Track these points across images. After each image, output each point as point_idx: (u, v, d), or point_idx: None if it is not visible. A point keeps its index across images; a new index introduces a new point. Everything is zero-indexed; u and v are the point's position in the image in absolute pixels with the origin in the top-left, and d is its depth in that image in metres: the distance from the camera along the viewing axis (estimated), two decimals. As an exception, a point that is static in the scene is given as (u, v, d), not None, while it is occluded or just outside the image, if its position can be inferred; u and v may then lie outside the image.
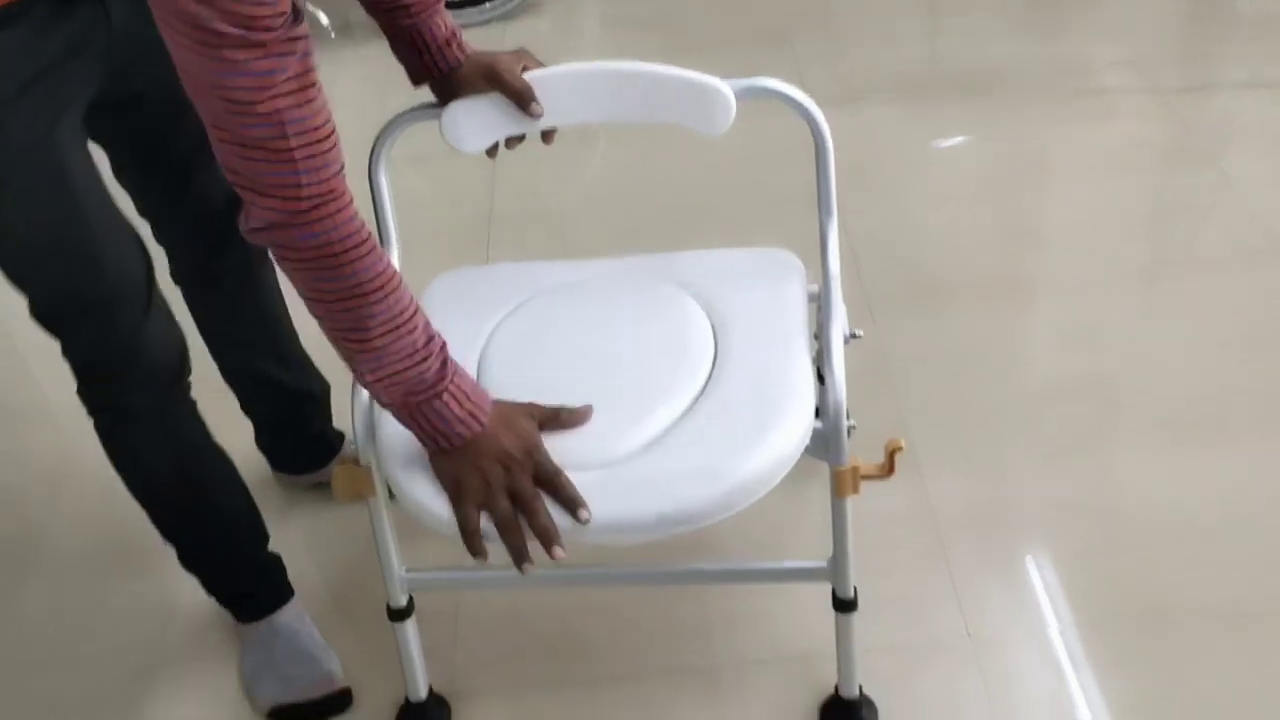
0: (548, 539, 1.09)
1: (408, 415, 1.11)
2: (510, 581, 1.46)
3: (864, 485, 1.23)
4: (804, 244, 1.38)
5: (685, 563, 1.47)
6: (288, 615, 1.52)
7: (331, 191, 0.98)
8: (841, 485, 1.23)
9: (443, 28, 1.26)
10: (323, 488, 1.73)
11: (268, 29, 0.91)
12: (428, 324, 1.09)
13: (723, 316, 1.29)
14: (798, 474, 1.20)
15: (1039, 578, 1.55)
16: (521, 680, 1.50)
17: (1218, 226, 2.14)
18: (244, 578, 1.52)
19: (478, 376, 1.25)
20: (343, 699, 1.47)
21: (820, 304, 1.30)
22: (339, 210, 0.99)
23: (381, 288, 1.03)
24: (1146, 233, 2.17)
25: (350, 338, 1.05)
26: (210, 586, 1.52)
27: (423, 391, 1.08)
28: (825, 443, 1.22)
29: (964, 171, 2.35)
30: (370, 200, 1.31)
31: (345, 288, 1.02)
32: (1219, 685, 1.40)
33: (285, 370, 1.63)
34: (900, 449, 1.21)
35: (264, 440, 1.74)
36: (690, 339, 1.27)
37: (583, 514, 1.09)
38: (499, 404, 1.14)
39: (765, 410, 1.19)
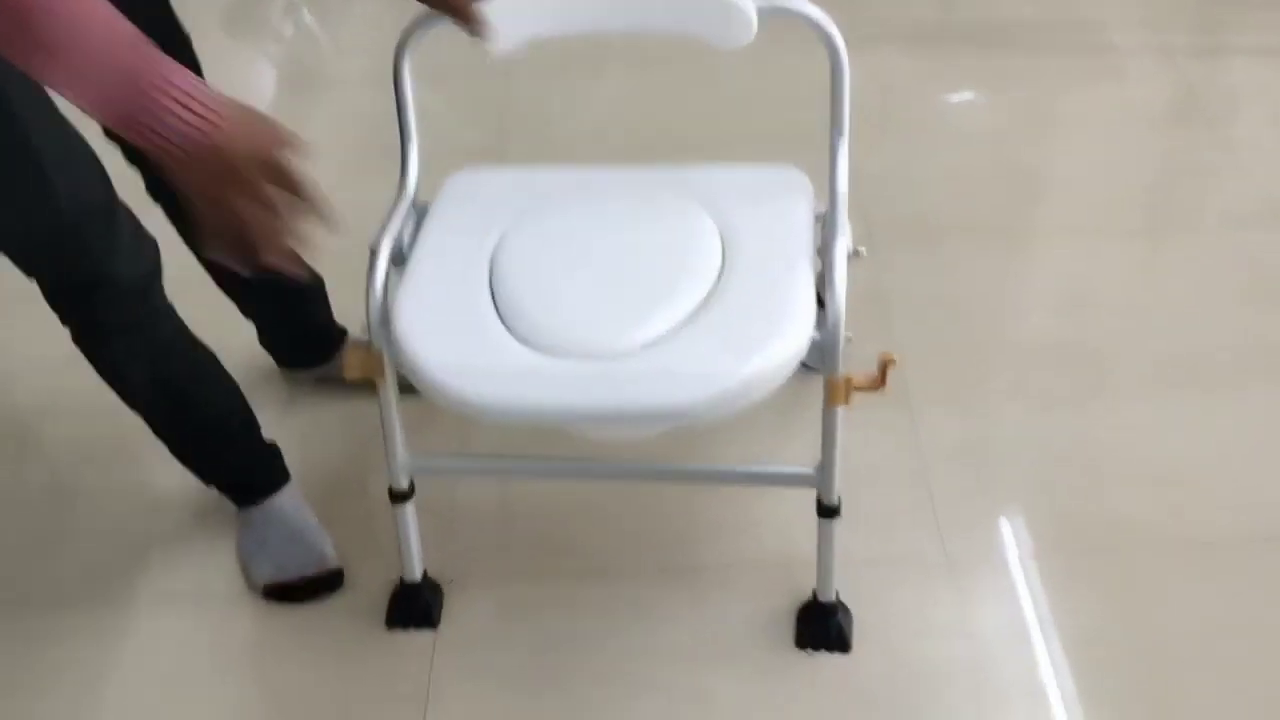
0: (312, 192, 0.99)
1: (128, 128, 0.92)
2: (506, 470, 1.53)
3: (856, 406, 1.27)
4: (811, 171, 1.42)
5: (678, 462, 1.52)
6: (283, 499, 1.57)
7: None
8: (834, 394, 1.28)
9: None
10: (327, 382, 1.77)
11: None
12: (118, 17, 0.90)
13: (730, 227, 1.33)
14: (788, 396, 1.25)
15: (1013, 508, 1.61)
16: (510, 571, 1.55)
17: (1218, 189, 2.18)
18: (236, 468, 1.57)
19: (489, 269, 1.29)
20: (335, 579, 1.53)
21: (826, 221, 1.34)
22: None
23: None
24: (1147, 191, 2.21)
25: (18, 41, 0.88)
26: (204, 478, 1.57)
27: (130, 95, 0.90)
28: (822, 353, 1.26)
29: (970, 121, 2.39)
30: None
31: None
32: (1173, 614, 1.47)
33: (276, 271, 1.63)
34: (892, 362, 1.26)
35: (265, 339, 1.77)
36: (698, 245, 1.31)
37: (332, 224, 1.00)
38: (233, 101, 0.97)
39: (767, 317, 1.23)
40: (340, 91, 2.57)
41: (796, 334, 1.22)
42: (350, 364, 1.31)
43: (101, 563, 1.59)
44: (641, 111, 2.41)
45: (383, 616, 1.49)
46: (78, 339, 1.36)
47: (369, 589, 1.52)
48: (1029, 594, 1.50)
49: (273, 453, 1.59)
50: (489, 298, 1.26)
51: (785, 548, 1.53)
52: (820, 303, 1.27)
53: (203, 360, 1.45)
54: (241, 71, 2.69)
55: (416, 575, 1.49)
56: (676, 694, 1.41)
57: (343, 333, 1.78)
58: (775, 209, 1.36)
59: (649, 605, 1.50)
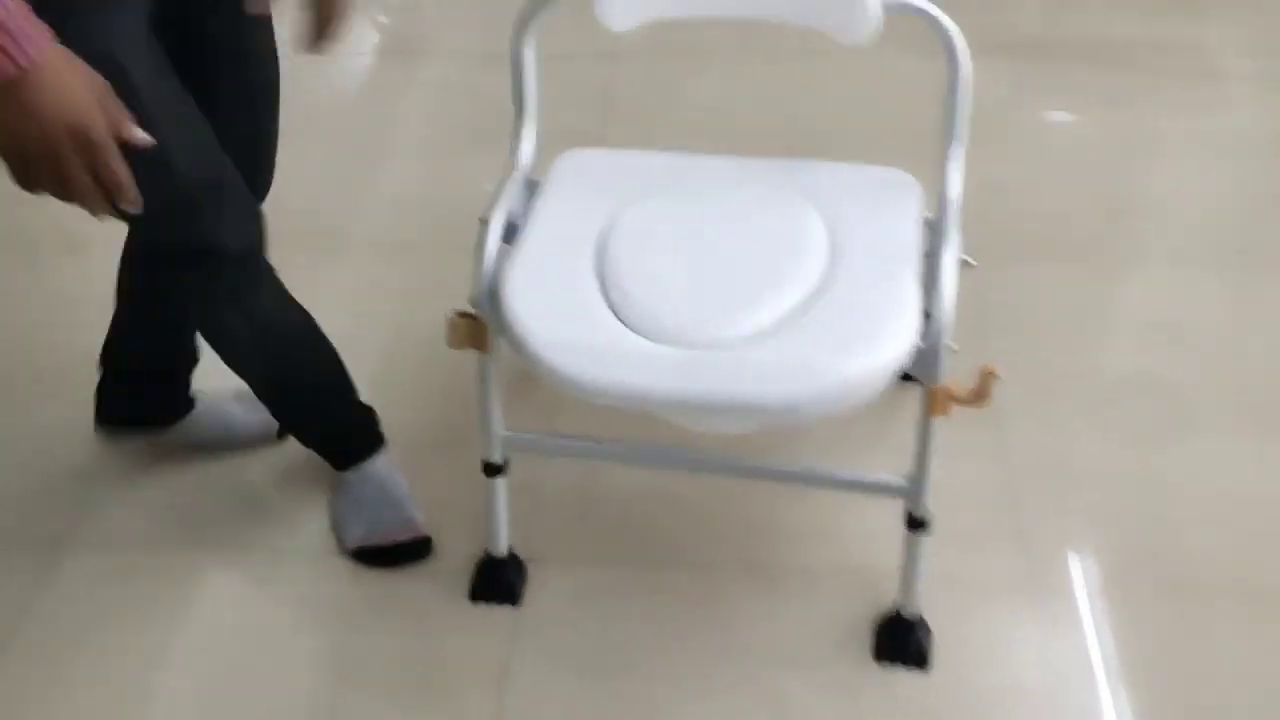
0: (120, 188, 0.98)
1: None
2: (598, 453, 1.53)
3: (949, 419, 1.26)
4: (921, 177, 1.41)
5: (771, 461, 1.51)
6: (378, 465, 1.59)
7: None
8: (934, 404, 1.27)
9: None
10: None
11: None
12: None
13: (839, 225, 1.32)
14: (880, 405, 1.24)
15: (1095, 537, 1.58)
16: (592, 554, 1.56)
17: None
18: (333, 433, 1.60)
19: (597, 250, 1.30)
20: (424, 545, 1.55)
21: (935, 227, 1.33)
22: None
23: None
24: (1247, 223, 2.14)
25: None
26: (304, 440, 1.61)
27: None
28: (925, 359, 1.25)
29: (1070, 140, 2.34)
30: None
31: None
32: (1244, 662, 1.42)
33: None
34: (995, 375, 1.24)
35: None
36: (806, 241, 1.30)
37: (129, 204, 0.99)
38: (68, 58, 0.93)
39: (872, 318, 1.22)
40: (441, 63, 2.61)
41: (901, 338, 1.21)
42: (455, 335, 1.32)
43: (194, 509, 1.63)
44: (742, 106, 2.40)
45: (466, 588, 1.51)
46: (185, 306, 1.41)
47: (455, 560, 1.54)
48: (1103, 628, 1.46)
49: (369, 417, 1.61)
50: (596, 278, 1.27)
51: (869, 557, 1.51)
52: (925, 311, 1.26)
53: (302, 325, 1.48)
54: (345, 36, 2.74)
55: (503, 550, 1.50)
56: (748, 694, 1.40)
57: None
58: (883, 210, 1.35)
59: (728, 602, 1.49)
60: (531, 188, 1.41)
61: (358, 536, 1.55)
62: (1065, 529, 1.58)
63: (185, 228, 1.26)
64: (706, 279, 1.26)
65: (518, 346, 1.23)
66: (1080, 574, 1.53)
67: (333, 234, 2.12)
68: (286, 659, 1.45)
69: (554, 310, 1.24)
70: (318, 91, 2.49)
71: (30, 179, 0.95)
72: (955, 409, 1.26)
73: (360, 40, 2.76)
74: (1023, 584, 1.51)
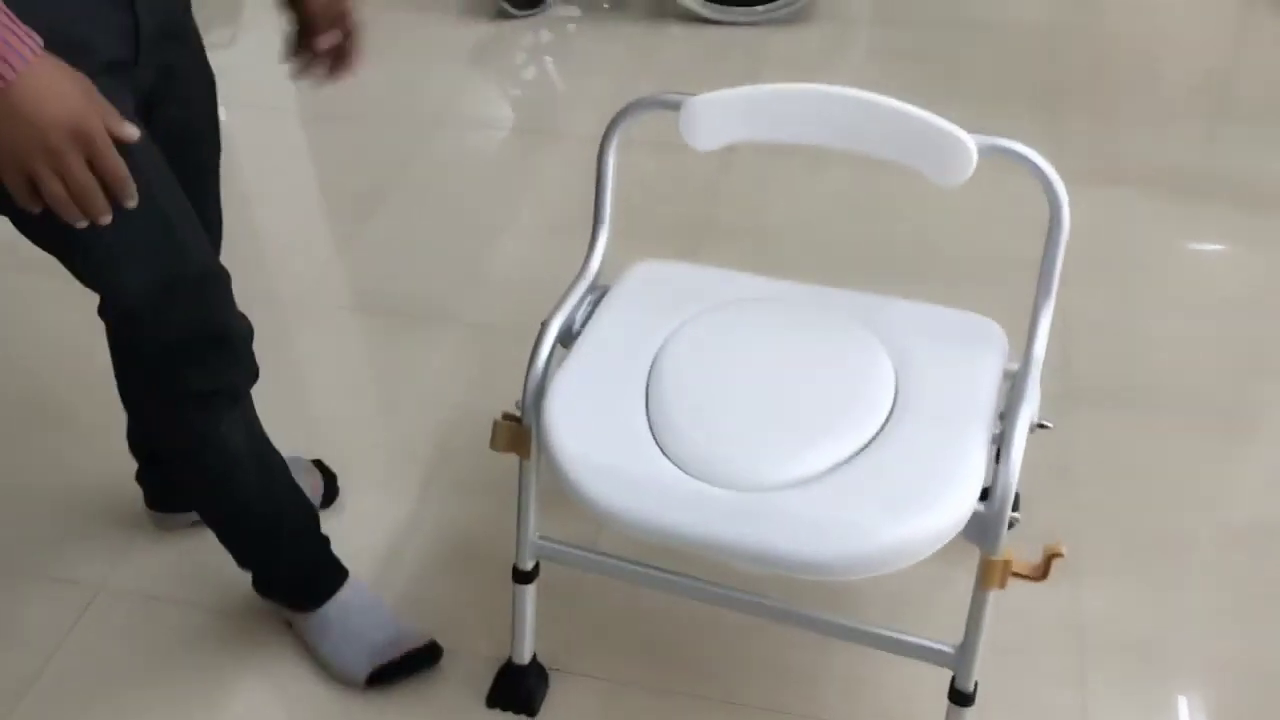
0: (121, 182, 0.96)
1: None
2: (635, 575, 1.47)
3: (1012, 583, 1.17)
4: (1013, 317, 1.32)
5: (810, 606, 1.43)
6: (355, 588, 1.50)
7: None
8: (989, 576, 1.18)
9: None
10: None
11: None
12: None
13: (909, 371, 1.25)
14: (950, 548, 1.15)
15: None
16: (623, 674, 1.50)
17: None
18: (311, 557, 1.49)
19: (649, 370, 1.25)
20: (434, 649, 1.49)
21: (1014, 383, 1.24)
22: None
23: None
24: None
25: None
26: (274, 580, 1.49)
27: None
28: (984, 528, 1.16)
29: (1213, 283, 2.20)
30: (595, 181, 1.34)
31: None
32: None
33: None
34: (1059, 555, 1.15)
35: (146, 474, 1.66)
36: (870, 385, 1.23)
37: (128, 200, 0.96)
38: (53, 60, 0.92)
39: (930, 480, 1.14)
40: (568, 143, 2.61)
41: (959, 503, 1.13)
42: (498, 438, 1.29)
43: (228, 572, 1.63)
44: (856, 216, 2.34)
45: (484, 693, 1.46)
46: (189, 416, 1.27)
47: (477, 662, 1.49)
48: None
49: (329, 547, 1.51)
50: (644, 400, 1.23)
51: (912, 717, 1.41)
52: (996, 460, 1.18)
53: (276, 455, 1.40)
54: (478, 106, 2.77)
55: (525, 658, 1.45)
56: None
57: None
58: (961, 360, 1.27)
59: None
60: (602, 293, 1.37)
61: (364, 665, 1.46)
62: (1143, 709, 1.45)
63: (199, 310, 1.20)
64: (758, 416, 1.20)
65: (551, 460, 1.19)
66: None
67: (428, 306, 2.12)
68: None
69: (594, 428, 1.20)
70: (444, 161, 2.52)
71: (29, 188, 0.94)
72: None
73: (492, 110, 2.79)
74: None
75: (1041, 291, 1.27)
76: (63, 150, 0.92)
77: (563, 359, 1.28)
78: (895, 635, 1.31)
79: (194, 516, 1.64)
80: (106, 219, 0.96)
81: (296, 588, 1.49)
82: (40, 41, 0.91)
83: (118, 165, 0.95)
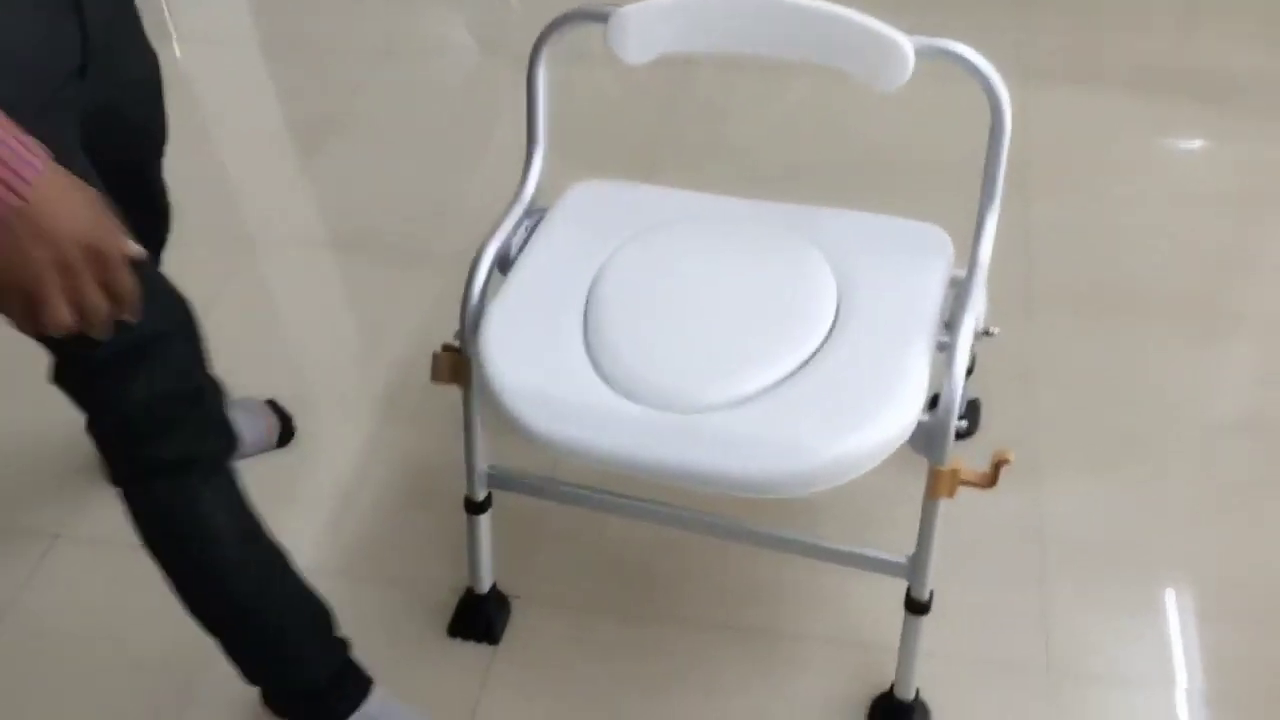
0: (130, 299, 0.88)
1: None
2: (588, 500, 1.47)
3: (967, 491, 1.16)
4: (969, 224, 1.29)
5: (766, 524, 1.42)
6: (378, 700, 1.32)
7: None
8: (937, 486, 1.17)
9: None
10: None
11: None
12: None
13: (852, 283, 1.22)
14: (912, 461, 1.15)
15: (1141, 626, 1.45)
16: (584, 599, 1.50)
17: None
18: (323, 665, 1.30)
19: (587, 294, 1.23)
20: None
21: (959, 290, 1.22)
22: None
23: None
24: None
25: None
26: (284, 686, 1.32)
27: None
28: (930, 438, 1.15)
29: (1184, 178, 2.16)
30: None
31: None
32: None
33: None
34: (1007, 461, 1.13)
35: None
36: (811, 300, 1.21)
37: (133, 319, 0.89)
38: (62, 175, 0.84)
39: (871, 393, 1.12)
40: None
41: (901, 415, 1.11)
42: (437, 369, 1.27)
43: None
44: (821, 123, 2.29)
45: (446, 623, 1.46)
46: (156, 497, 1.16)
47: (440, 593, 1.49)
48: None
49: (349, 651, 1.33)
50: (581, 325, 1.20)
51: (870, 630, 1.42)
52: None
53: (272, 537, 1.24)
54: (432, 29, 2.70)
55: (484, 587, 1.45)
56: (725, 765, 1.33)
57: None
58: (905, 269, 1.24)
59: (717, 664, 1.41)
60: (540, 217, 1.34)
61: None
62: (1104, 609, 1.46)
63: (169, 369, 1.09)
64: (696, 336, 1.17)
65: (487, 390, 1.17)
66: (1122, 662, 1.41)
67: (390, 238, 2.08)
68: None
69: (530, 355, 1.17)
70: (401, 87, 2.46)
71: (29, 310, 0.85)
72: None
73: (445, 35, 2.72)
74: (1044, 671, 1.39)
75: (986, 195, 1.23)
76: (78, 268, 0.84)
77: (500, 286, 1.26)
78: (850, 549, 1.30)
79: None
80: (105, 338, 0.89)
81: (312, 702, 1.30)
82: (48, 151, 0.83)
83: (131, 283, 0.87)
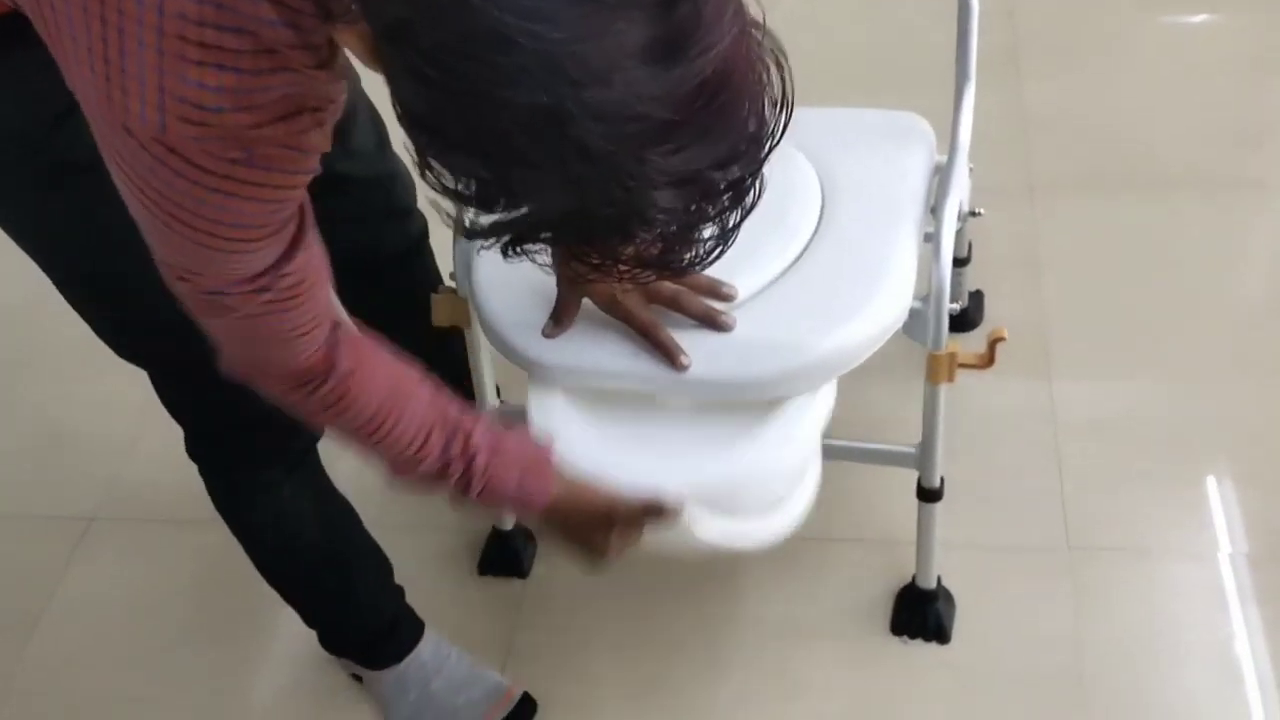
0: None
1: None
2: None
3: (986, 379, 1.17)
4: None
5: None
6: (430, 644, 1.36)
7: (303, 372, 0.89)
8: (936, 371, 1.17)
9: None
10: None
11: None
12: (446, 446, 0.95)
13: (834, 179, 1.22)
14: (918, 362, 1.16)
15: (1166, 497, 1.45)
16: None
17: None
18: (383, 614, 1.35)
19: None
20: (527, 704, 1.35)
21: (941, 175, 1.21)
22: (313, 391, 0.90)
23: (372, 434, 0.93)
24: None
25: (363, 455, 0.98)
26: (344, 635, 1.37)
27: (454, 495, 0.99)
28: (923, 324, 1.15)
29: (1185, 52, 2.09)
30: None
31: (335, 427, 0.96)
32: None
33: (448, 344, 1.37)
34: (1002, 339, 1.13)
35: None
36: (795, 200, 1.21)
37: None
38: (563, 501, 1.01)
39: (860, 284, 1.13)
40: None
41: (891, 304, 1.12)
42: (437, 313, 1.28)
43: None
44: (811, 31, 2.23)
45: (476, 562, 1.49)
46: (237, 486, 1.20)
47: (466, 536, 1.51)
48: (1161, 605, 1.35)
49: (403, 600, 1.37)
50: (570, 250, 1.21)
51: (891, 526, 1.42)
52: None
53: (348, 506, 1.29)
54: None
55: (508, 524, 1.47)
56: (759, 669, 1.35)
57: None
58: (886, 159, 1.24)
59: (740, 572, 1.43)
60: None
61: None
62: (1121, 491, 1.46)
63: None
64: (681, 246, 1.18)
65: (483, 325, 1.18)
66: (1142, 543, 1.41)
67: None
68: (296, 629, 1.45)
69: (523, 288, 1.18)
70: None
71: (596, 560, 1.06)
72: (1003, 356, 1.15)
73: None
74: (1065, 554, 1.40)
75: (960, 74, 1.23)
76: (594, 539, 1.04)
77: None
78: (859, 445, 1.31)
79: None
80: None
81: (369, 645, 1.36)
82: (553, 475, 1.01)
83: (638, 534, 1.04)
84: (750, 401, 1.11)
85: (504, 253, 0.69)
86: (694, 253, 0.69)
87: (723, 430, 1.10)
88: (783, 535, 1.14)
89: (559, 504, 1.01)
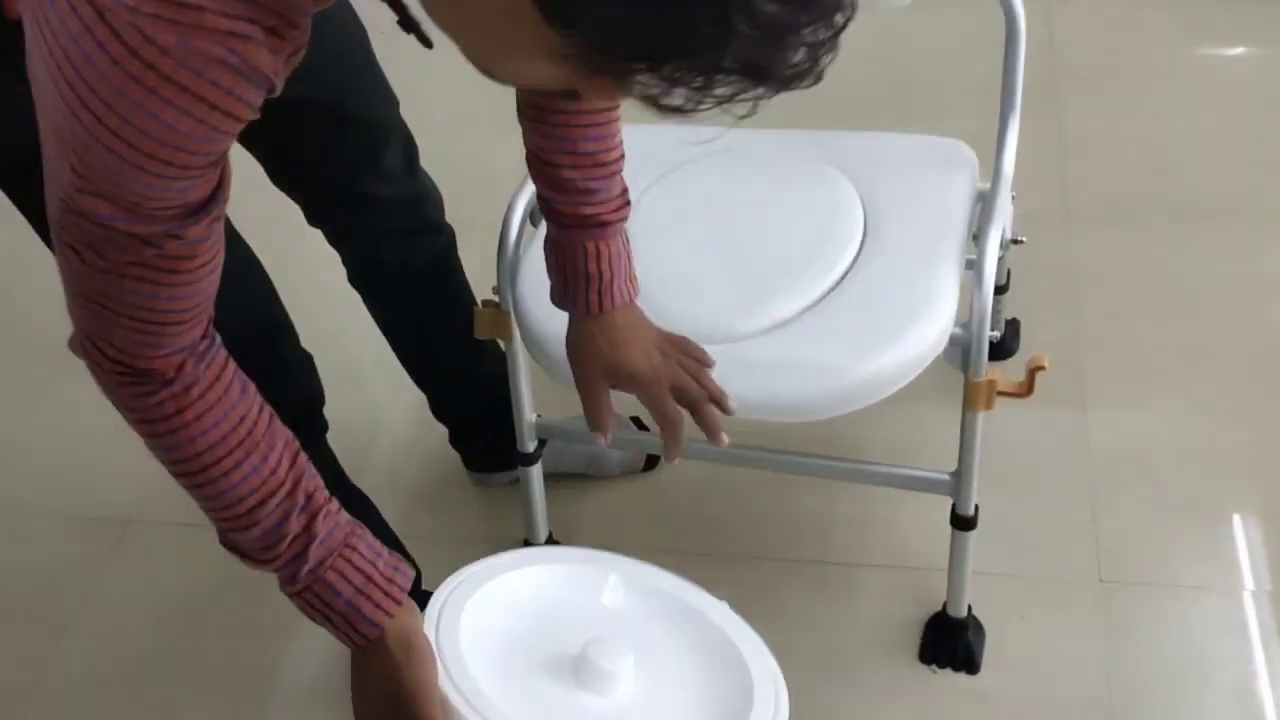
0: None
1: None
2: (636, 444, 1.48)
3: (1019, 408, 1.17)
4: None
5: (809, 454, 1.44)
6: None
7: (147, 371, 0.80)
8: (974, 398, 1.17)
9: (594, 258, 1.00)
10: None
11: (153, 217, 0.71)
12: (284, 517, 0.84)
13: (877, 202, 1.23)
14: (957, 388, 1.16)
15: (1198, 532, 1.44)
16: (637, 542, 1.51)
17: None
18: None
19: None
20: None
21: (984, 202, 1.22)
22: (148, 393, 0.81)
23: (195, 473, 0.83)
24: None
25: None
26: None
27: (281, 582, 0.88)
28: (964, 351, 1.15)
29: (1225, 85, 2.10)
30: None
31: (160, 457, 0.85)
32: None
33: (484, 359, 1.42)
34: (1042, 368, 1.13)
35: (461, 441, 1.59)
36: (838, 223, 1.22)
37: None
38: (397, 654, 0.85)
39: (902, 309, 1.13)
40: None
41: (931, 330, 1.12)
42: (479, 325, 1.29)
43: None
44: (846, 53, 2.24)
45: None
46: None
47: (498, 547, 1.51)
48: (1188, 640, 1.34)
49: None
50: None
51: (925, 553, 1.42)
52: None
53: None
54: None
55: (540, 538, 1.48)
56: (787, 692, 1.34)
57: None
58: (929, 185, 1.25)
59: (771, 596, 1.43)
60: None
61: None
62: (1155, 522, 1.45)
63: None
64: (725, 269, 1.19)
65: (525, 338, 1.19)
66: (1173, 574, 1.40)
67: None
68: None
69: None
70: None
71: None
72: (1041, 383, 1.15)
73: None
74: (1096, 585, 1.40)
75: (1006, 103, 1.24)
76: None
77: (534, 238, 1.28)
78: (894, 470, 1.32)
79: (513, 474, 1.49)
80: None
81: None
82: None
83: None
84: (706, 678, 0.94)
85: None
86: (788, 64, 0.60)
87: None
88: None
89: (378, 653, 0.85)
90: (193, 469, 0.83)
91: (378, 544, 0.88)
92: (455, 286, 1.44)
